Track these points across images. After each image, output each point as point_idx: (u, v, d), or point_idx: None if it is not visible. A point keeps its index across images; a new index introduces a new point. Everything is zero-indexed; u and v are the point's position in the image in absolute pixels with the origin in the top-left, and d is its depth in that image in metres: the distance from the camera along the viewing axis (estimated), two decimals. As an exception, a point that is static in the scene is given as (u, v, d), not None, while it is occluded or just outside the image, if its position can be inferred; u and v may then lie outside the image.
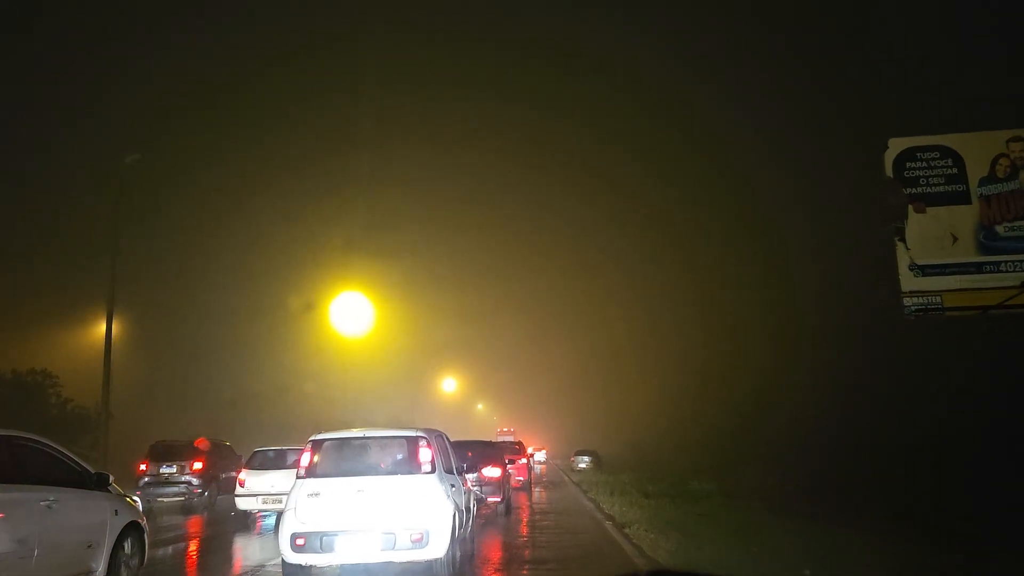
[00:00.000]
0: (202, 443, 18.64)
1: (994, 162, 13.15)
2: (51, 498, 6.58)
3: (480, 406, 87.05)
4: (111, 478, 7.64)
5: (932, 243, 13.06)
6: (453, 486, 8.72)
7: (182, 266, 40.71)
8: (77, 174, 40.42)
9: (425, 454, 8.12)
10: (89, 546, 7.00)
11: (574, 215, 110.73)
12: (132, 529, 7.75)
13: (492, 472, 15.78)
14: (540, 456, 49.76)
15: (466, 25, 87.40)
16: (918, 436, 22.87)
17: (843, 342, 32.84)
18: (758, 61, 73.76)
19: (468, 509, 9.96)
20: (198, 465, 18.07)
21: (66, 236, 36.41)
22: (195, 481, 17.94)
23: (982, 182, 13.14)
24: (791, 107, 53.95)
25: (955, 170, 13.26)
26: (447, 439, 10.11)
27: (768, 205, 53.66)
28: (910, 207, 13.19)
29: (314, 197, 67.23)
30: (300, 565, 7.67)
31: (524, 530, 14.18)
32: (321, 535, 7.55)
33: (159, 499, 17.83)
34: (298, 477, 8.09)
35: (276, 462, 15.35)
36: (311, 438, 8.50)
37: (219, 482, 18.52)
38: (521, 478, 23.54)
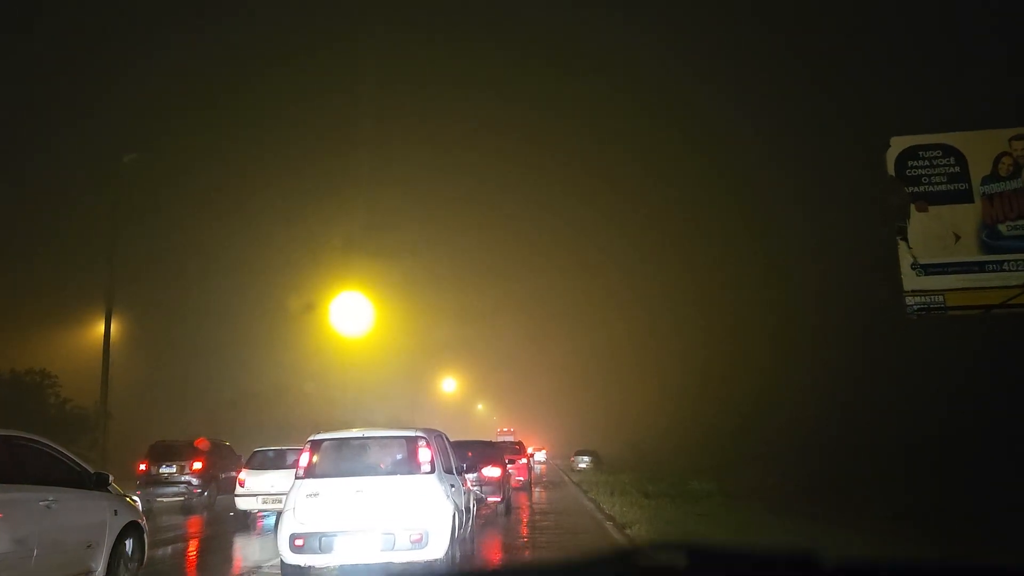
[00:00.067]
0: (202, 443, 18.63)
1: (997, 160, 13.09)
2: (51, 498, 6.56)
3: (480, 406, 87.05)
4: (111, 478, 7.62)
5: (934, 242, 13.01)
6: (453, 486, 8.69)
7: (182, 266, 40.77)
8: (77, 174, 40.50)
9: (424, 454, 8.09)
10: (89, 546, 6.98)
11: (574, 215, 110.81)
12: (132, 529, 7.73)
13: (492, 472, 15.77)
14: (540, 456, 49.74)
15: (466, 25, 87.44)
16: (918, 436, 22.81)
17: (843, 342, 32.76)
18: (758, 61, 73.72)
19: (468, 509, 9.94)
20: (198, 465, 18.05)
21: (66, 236, 36.50)
22: (195, 481, 17.93)
23: (985, 181, 13.08)
24: (791, 107, 53.84)
25: (957, 169, 13.20)
26: (447, 439, 10.08)
27: (768, 205, 53.56)
28: (912, 206, 13.14)
29: (314, 197, 67.38)
30: (299, 566, 7.64)
31: (524, 530, 14.16)
32: (320, 535, 7.51)
33: (159, 499, 17.81)
34: (297, 477, 8.06)
35: (276, 462, 15.35)
36: (310, 438, 8.46)
37: (219, 482, 18.49)
38: (521, 478, 23.50)
